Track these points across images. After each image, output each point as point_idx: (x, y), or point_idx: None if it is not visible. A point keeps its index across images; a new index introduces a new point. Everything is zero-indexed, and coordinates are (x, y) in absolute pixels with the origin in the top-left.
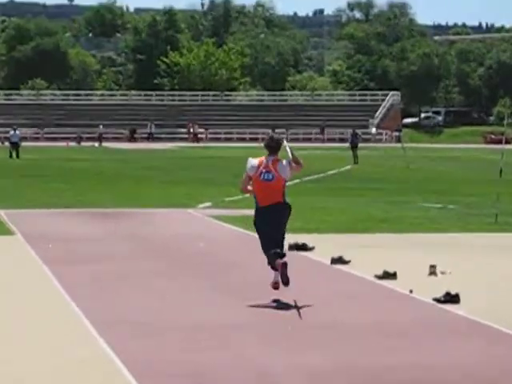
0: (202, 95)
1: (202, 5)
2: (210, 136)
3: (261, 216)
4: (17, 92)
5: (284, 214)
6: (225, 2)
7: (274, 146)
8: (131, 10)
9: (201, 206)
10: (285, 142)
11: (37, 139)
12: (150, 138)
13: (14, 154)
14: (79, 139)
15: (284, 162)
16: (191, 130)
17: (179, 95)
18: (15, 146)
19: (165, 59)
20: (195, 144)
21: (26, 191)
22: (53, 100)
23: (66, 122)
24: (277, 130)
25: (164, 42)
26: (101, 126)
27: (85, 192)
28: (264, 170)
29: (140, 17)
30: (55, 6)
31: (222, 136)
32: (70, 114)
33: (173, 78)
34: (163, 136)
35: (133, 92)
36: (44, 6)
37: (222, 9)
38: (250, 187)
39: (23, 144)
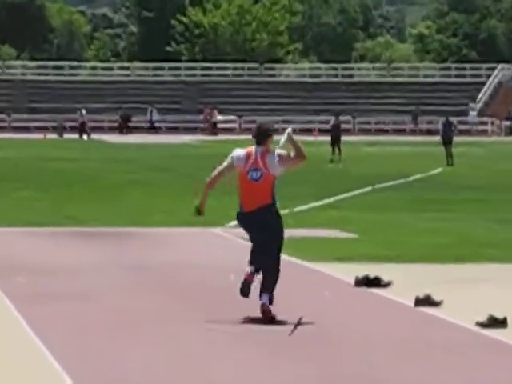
0: (234, 68)
1: None
2: (245, 126)
3: (244, 223)
4: None
5: (267, 217)
6: None
7: (261, 138)
8: None
9: (231, 223)
10: (289, 129)
11: (2, 129)
12: (151, 127)
13: None
14: (61, 129)
15: (275, 153)
16: (208, 118)
17: (202, 68)
18: None
19: (182, 18)
20: (213, 137)
21: None
22: (24, 75)
23: (43, 106)
24: (340, 118)
25: None
26: (83, 111)
27: (69, 203)
28: (252, 167)
29: None
30: None
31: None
32: (48, 94)
33: (193, 45)
34: (178, 125)
35: (136, 64)
36: None
37: None
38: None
39: None
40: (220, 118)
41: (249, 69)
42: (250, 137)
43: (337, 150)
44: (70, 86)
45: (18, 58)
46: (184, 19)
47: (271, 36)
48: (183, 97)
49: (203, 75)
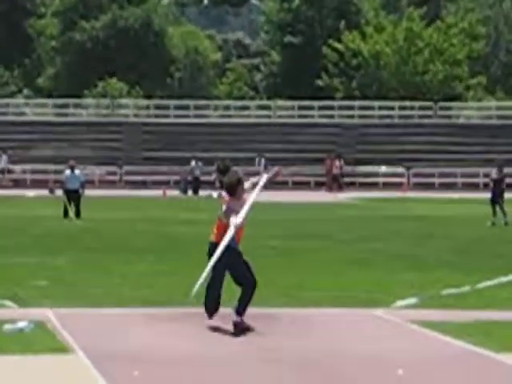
0: (401, 108)
1: None
2: (414, 180)
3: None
4: (77, 101)
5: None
6: None
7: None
8: None
9: (399, 303)
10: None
11: (112, 184)
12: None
13: (71, 211)
14: (185, 184)
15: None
16: (332, 169)
17: (360, 107)
18: (73, 195)
19: (336, 45)
20: (337, 194)
21: (90, 277)
22: (137, 116)
23: (163, 155)
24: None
25: (334, 12)
26: (196, 163)
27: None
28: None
29: None
30: None
31: (436, 181)
32: (168, 140)
33: (349, 78)
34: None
35: (279, 102)
36: None
37: None
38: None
39: (87, 192)
40: (384, 169)
41: (420, 108)
42: (419, 194)
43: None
44: (197, 130)
45: (129, 94)
46: (338, 46)
47: (447, 67)
48: (337, 144)
49: (362, 116)
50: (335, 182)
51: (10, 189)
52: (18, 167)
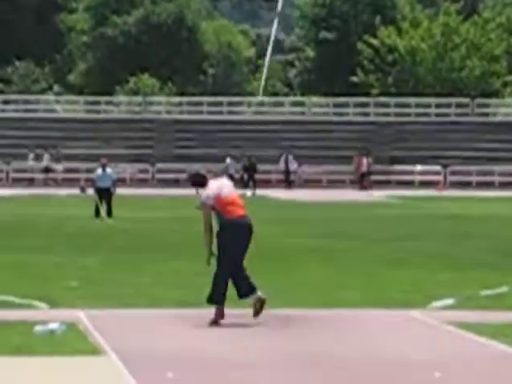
0: (437, 105)
1: None
2: (451, 178)
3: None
4: (108, 99)
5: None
6: None
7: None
8: None
9: (435, 304)
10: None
11: (144, 182)
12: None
13: (102, 210)
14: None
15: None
16: (360, 167)
17: (396, 105)
18: (105, 194)
19: (371, 40)
20: (367, 192)
21: (122, 277)
22: (170, 113)
23: (195, 152)
24: None
25: (370, 7)
26: (228, 160)
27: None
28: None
29: None
30: None
31: (473, 179)
32: (201, 137)
33: (385, 75)
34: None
35: (313, 98)
36: None
37: None
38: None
39: (119, 190)
40: (419, 168)
41: (456, 105)
42: (455, 192)
43: None
44: (230, 128)
45: (161, 91)
46: (374, 42)
47: (485, 63)
48: (373, 141)
49: (398, 114)
50: (363, 180)
51: (54, 187)
52: (59, 166)
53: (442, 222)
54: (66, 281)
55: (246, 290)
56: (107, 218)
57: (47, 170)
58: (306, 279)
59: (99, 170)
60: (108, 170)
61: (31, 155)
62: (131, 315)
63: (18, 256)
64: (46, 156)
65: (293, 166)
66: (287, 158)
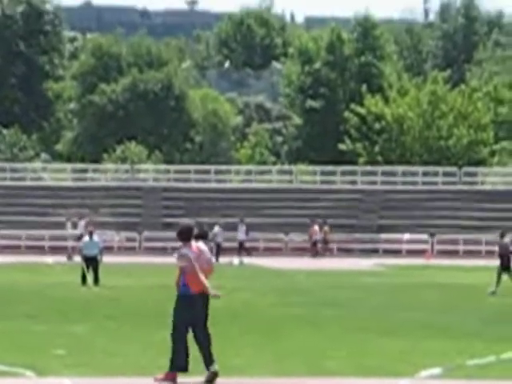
0: (424, 173)
1: (427, 12)
2: (438, 247)
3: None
4: (96, 167)
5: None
6: (466, 5)
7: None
8: (298, 19)
9: (423, 373)
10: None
11: (131, 250)
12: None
13: (89, 278)
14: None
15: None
16: (313, 236)
17: (383, 173)
18: (92, 262)
19: (358, 109)
20: (318, 259)
21: (109, 345)
22: (157, 181)
23: (181, 221)
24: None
25: (357, 75)
26: (216, 228)
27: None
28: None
29: (313, 34)
30: (164, 14)
31: (461, 248)
32: (188, 206)
33: (372, 143)
34: (353, 246)
35: (301, 167)
36: (144, 13)
37: (460, 18)
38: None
39: (106, 258)
40: (407, 236)
41: (444, 174)
42: (443, 261)
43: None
44: (217, 196)
45: (149, 158)
46: (361, 110)
47: (472, 132)
48: (360, 209)
49: (385, 182)
50: (314, 248)
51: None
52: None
53: (430, 291)
54: (53, 349)
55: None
56: (94, 285)
57: (80, 238)
58: (295, 348)
59: (86, 238)
60: (95, 237)
61: (69, 223)
62: None
63: (4, 323)
64: (81, 224)
65: (242, 235)
66: (242, 226)
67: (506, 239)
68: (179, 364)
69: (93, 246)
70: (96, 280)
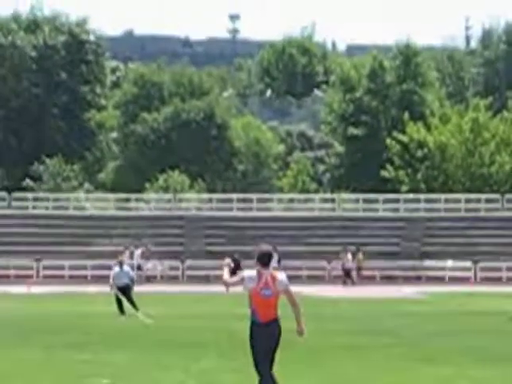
0: (467, 201)
1: (468, 39)
2: (481, 274)
3: (258, 332)
4: (138, 196)
5: (278, 339)
6: (508, 32)
7: (266, 261)
8: (340, 47)
9: None
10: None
11: (175, 280)
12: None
13: (123, 306)
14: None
15: (280, 277)
16: (345, 263)
17: (426, 200)
18: (124, 291)
19: (400, 136)
20: (350, 288)
21: (152, 374)
22: (200, 210)
23: (225, 249)
24: None
25: (398, 102)
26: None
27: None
28: (264, 287)
29: (355, 62)
30: (206, 43)
31: (504, 275)
32: (231, 234)
33: (415, 171)
34: (397, 273)
35: (343, 195)
36: (186, 42)
37: (502, 45)
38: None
39: (149, 288)
40: (450, 263)
41: (486, 201)
42: (487, 288)
43: None
44: (259, 225)
45: (191, 187)
46: (403, 138)
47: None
48: (403, 238)
49: (427, 210)
50: (348, 276)
51: (143, 285)
52: (149, 263)
53: (473, 318)
54: (97, 378)
55: None
56: (136, 311)
57: (138, 267)
58: (337, 377)
59: (116, 268)
60: (125, 267)
61: (127, 252)
62: None
63: (49, 353)
64: (138, 253)
65: (275, 263)
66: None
67: None
68: None
69: (123, 276)
70: (134, 306)
